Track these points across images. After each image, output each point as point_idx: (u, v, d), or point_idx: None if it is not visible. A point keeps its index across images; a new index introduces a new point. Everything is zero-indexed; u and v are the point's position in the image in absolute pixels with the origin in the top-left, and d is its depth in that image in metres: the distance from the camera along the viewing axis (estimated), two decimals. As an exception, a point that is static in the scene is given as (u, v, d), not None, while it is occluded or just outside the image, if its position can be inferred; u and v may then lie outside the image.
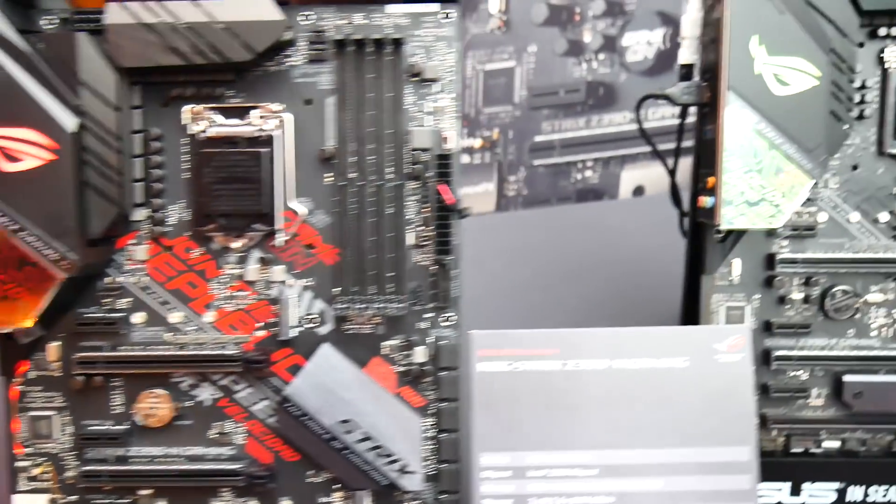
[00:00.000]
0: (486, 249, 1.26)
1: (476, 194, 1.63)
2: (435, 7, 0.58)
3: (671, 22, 1.43)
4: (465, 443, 0.59)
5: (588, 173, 1.45)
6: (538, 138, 1.59)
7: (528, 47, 1.52)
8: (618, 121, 1.45)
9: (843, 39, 0.63)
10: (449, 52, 0.59)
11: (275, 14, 0.55)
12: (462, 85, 1.40)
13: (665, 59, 1.43)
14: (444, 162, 0.58)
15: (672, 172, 0.74)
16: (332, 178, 0.60)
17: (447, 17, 0.59)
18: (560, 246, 1.32)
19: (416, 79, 0.59)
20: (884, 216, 0.67)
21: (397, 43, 0.58)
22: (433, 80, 0.59)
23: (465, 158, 1.58)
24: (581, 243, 1.33)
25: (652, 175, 1.49)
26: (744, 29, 0.61)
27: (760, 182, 0.62)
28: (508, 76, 1.60)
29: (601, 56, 1.41)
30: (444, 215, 0.58)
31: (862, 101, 0.66)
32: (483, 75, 1.53)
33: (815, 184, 0.63)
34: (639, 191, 1.45)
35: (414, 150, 0.58)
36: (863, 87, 0.66)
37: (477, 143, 1.65)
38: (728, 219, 0.62)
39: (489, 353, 0.56)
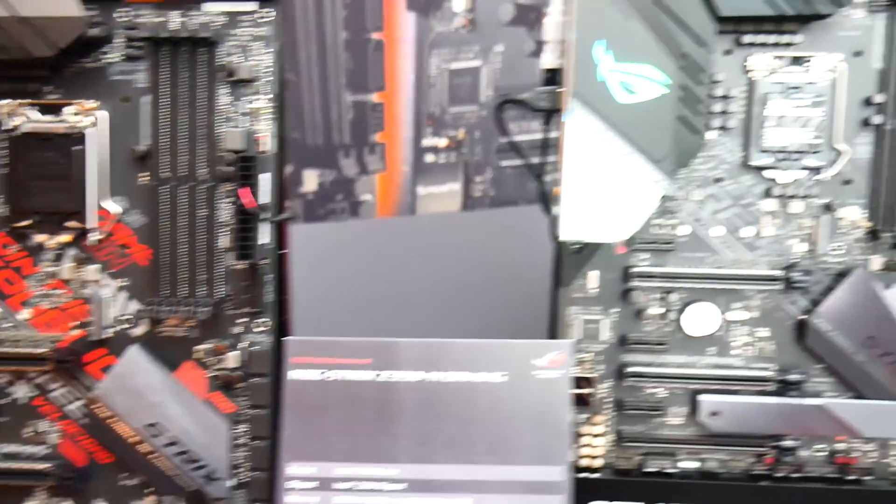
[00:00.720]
0: (449, 248, 1.24)
1: (441, 194, 1.62)
2: (252, 6, 0.58)
3: None
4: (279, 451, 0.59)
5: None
6: (505, 139, 1.57)
7: (494, 47, 1.49)
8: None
9: (698, 47, 0.61)
10: (266, 53, 0.59)
11: (75, 10, 0.55)
12: (426, 83, 1.39)
13: None
14: (246, 164, 0.57)
15: (539, 178, 0.72)
16: (147, 178, 0.60)
17: (264, 17, 0.58)
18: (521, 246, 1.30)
19: (232, 79, 0.58)
20: (747, 231, 0.65)
21: (210, 42, 0.57)
22: (249, 81, 0.58)
23: (430, 158, 1.56)
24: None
25: None
26: (589, 34, 0.59)
27: (605, 193, 0.60)
28: (474, 75, 1.58)
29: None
30: (246, 219, 0.58)
31: (725, 112, 0.63)
32: (448, 74, 1.51)
33: (668, 195, 0.61)
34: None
35: (227, 151, 0.58)
36: (726, 97, 0.63)
37: (442, 142, 1.63)
38: (569, 230, 0.60)
39: (302, 360, 0.55)
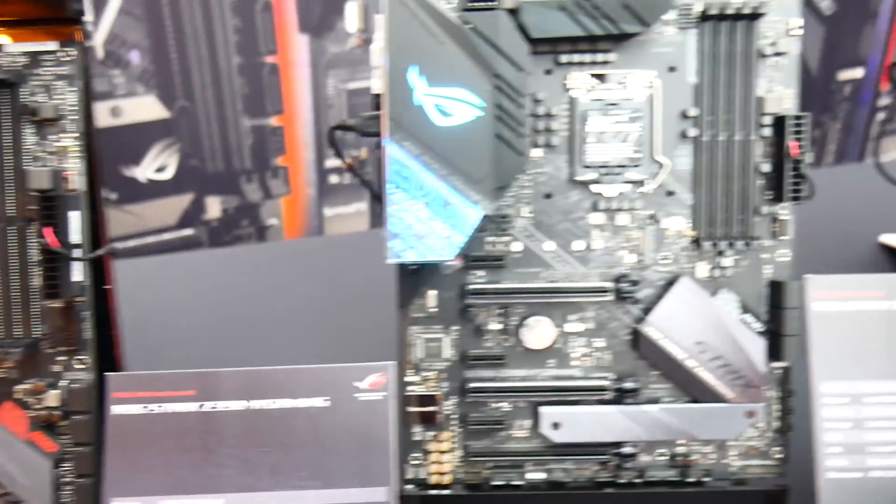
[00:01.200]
0: (358, 268, 1.25)
1: (349, 214, 1.62)
2: (53, 46, 0.58)
3: None
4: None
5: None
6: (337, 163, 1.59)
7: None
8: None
9: (512, 68, 0.62)
10: (70, 91, 0.59)
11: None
12: (325, 104, 1.39)
13: None
14: (49, 203, 0.57)
15: (377, 197, 0.73)
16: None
17: (66, 55, 0.58)
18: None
19: (36, 119, 0.58)
20: (578, 244, 0.66)
21: (11, 83, 0.57)
22: (54, 120, 0.58)
23: (335, 179, 1.57)
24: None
25: None
26: (401, 59, 0.60)
27: (428, 215, 0.61)
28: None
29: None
30: (53, 258, 0.58)
31: (548, 130, 0.65)
32: (346, 94, 1.52)
33: (492, 214, 0.62)
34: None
35: (32, 191, 0.58)
36: (549, 115, 0.65)
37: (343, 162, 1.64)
38: (396, 252, 0.61)
39: (124, 395, 0.56)
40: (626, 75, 0.65)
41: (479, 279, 0.67)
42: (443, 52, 0.60)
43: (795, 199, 0.64)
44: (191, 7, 1.35)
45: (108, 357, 0.62)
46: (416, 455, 0.68)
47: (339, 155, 0.71)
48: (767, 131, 0.65)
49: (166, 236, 1.50)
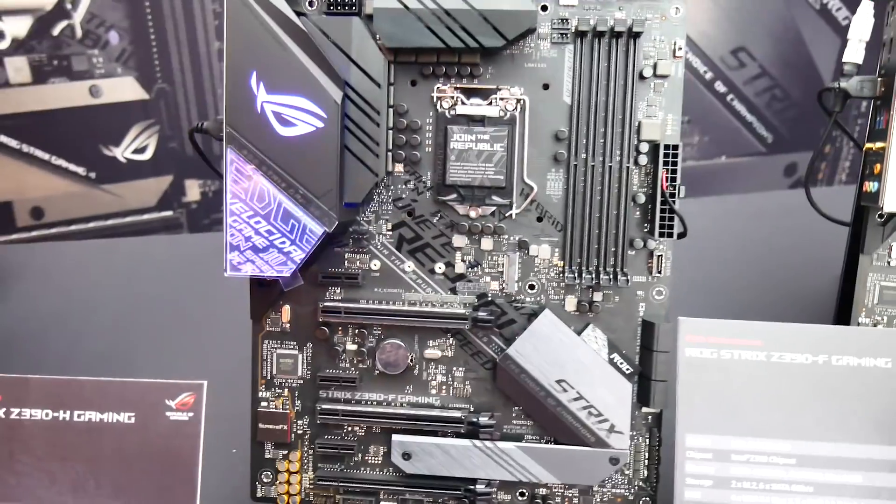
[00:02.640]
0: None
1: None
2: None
3: None
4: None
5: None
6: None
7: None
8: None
9: (365, 79, 0.59)
10: None
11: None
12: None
13: None
14: None
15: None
16: None
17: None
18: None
19: None
20: (439, 267, 0.63)
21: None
22: None
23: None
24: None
25: None
26: (242, 63, 0.57)
27: (267, 228, 0.58)
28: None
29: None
30: None
31: (411, 144, 0.61)
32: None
33: (330, 231, 0.59)
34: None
35: None
36: (411, 128, 0.61)
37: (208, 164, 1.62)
38: (234, 265, 0.59)
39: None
40: (494, 90, 0.60)
41: (335, 297, 0.63)
42: (286, 58, 0.57)
43: (665, 235, 0.59)
44: (170, -11, 1.34)
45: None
46: (266, 473, 0.65)
47: (202, 157, 0.68)
48: (644, 159, 0.60)
49: (146, 217, 1.50)
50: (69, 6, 1.35)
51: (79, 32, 1.36)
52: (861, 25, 0.67)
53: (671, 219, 0.59)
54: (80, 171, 1.44)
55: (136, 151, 1.44)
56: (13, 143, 1.39)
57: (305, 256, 0.59)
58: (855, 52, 0.67)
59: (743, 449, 0.59)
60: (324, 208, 0.58)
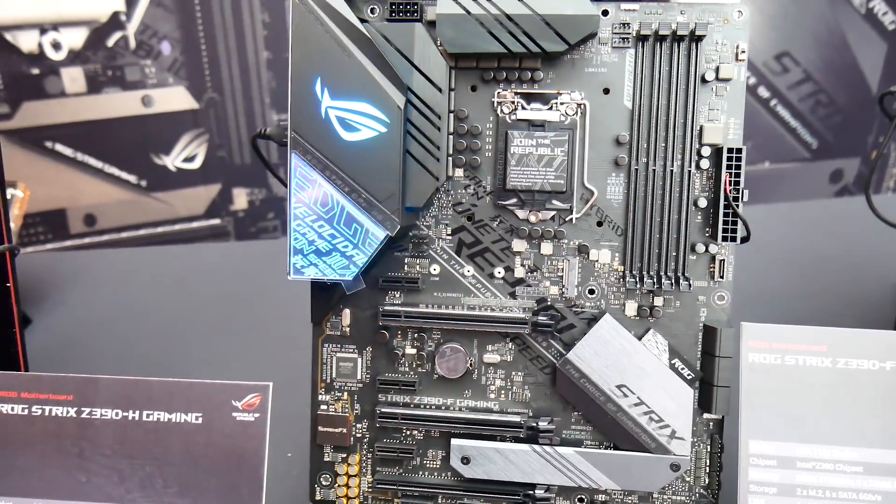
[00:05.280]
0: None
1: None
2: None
3: None
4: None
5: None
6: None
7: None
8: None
9: (428, 84, 0.59)
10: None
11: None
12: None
13: None
14: None
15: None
16: None
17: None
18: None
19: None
20: (498, 271, 0.63)
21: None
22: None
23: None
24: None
25: None
26: (306, 69, 0.58)
27: (331, 232, 0.59)
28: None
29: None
30: None
31: (471, 149, 0.62)
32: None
33: (394, 234, 0.59)
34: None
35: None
36: (471, 133, 0.62)
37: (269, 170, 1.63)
38: (297, 268, 0.60)
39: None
40: (555, 95, 0.60)
41: (394, 301, 0.64)
42: (349, 64, 0.58)
43: (728, 239, 0.58)
44: (220, 1, 1.36)
45: (7, 355, 0.62)
46: (325, 476, 0.66)
47: (263, 162, 0.69)
48: (706, 163, 0.59)
49: (195, 225, 1.52)
50: (124, 18, 1.38)
51: (132, 43, 1.39)
52: None
53: (734, 223, 0.58)
54: (132, 179, 1.47)
55: (186, 160, 1.47)
56: (68, 151, 1.42)
57: (368, 260, 0.59)
58: None
59: (808, 456, 0.58)
60: (386, 212, 0.59)
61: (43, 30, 1.39)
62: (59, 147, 1.45)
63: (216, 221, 1.54)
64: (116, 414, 0.56)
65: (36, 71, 1.40)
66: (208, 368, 0.90)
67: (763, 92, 1.69)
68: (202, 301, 1.09)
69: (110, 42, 1.42)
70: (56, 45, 1.40)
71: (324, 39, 0.58)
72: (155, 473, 0.55)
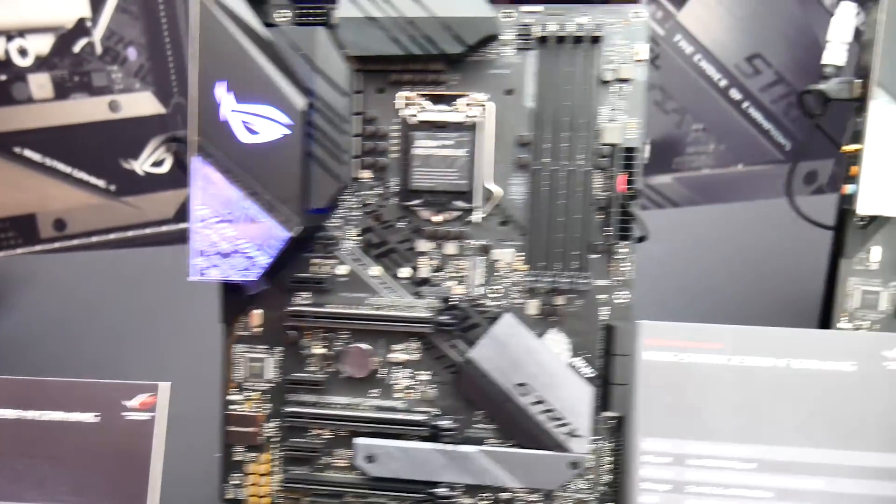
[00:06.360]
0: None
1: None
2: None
3: None
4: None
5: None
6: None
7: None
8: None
9: (330, 87, 0.60)
10: None
11: None
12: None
13: None
14: None
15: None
16: None
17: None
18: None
19: None
20: (405, 271, 0.64)
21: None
22: None
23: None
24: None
25: None
26: (210, 73, 0.59)
27: (233, 233, 0.60)
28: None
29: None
30: None
31: (377, 151, 0.63)
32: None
33: (298, 236, 0.60)
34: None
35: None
36: (376, 135, 0.63)
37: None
38: (199, 269, 0.61)
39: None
40: (458, 97, 0.61)
41: (303, 301, 0.65)
42: (251, 68, 0.59)
43: (624, 238, 0.59)
44: (186, 6, 1.38)
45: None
46: (236, 475, 0.67)
47: (178, 162, 0.70)
48: (606, 163, 0.60)
49: (164, 228, 1.53)
50: (89, 24, 1.40)
51: (98, 49, 1.41)
52: (841, 27, 0.66)
53: (630, 222, 0.59)
54: (101, 183, 1.48)
55: (154, 164, 1.48)
56: (36, 156, 1.44)
57: (270, 261, 0.60)
58: (836, 54, 0.67)
59: (700, 453, 0.58)
60: (288, 213, 0.59)
61: (9, 36, 1.40)
62: (28, 152, 1.46)
63: (185, 224, 1.54)
64: (13, 413, 0.56)
65: (3, 77, 1.42)
66: (152, 369, 0.91)
67: (735, 94, 1.69)
68: (160, 303, 1.10)
69: (76, 48, 1.43)
70: (23, 52, 1.41)
71: (227, 44, 0.59)
72: (49, 472, 0.56)
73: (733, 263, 1.08)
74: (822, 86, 0.66)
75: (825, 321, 0.69)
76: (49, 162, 1.45)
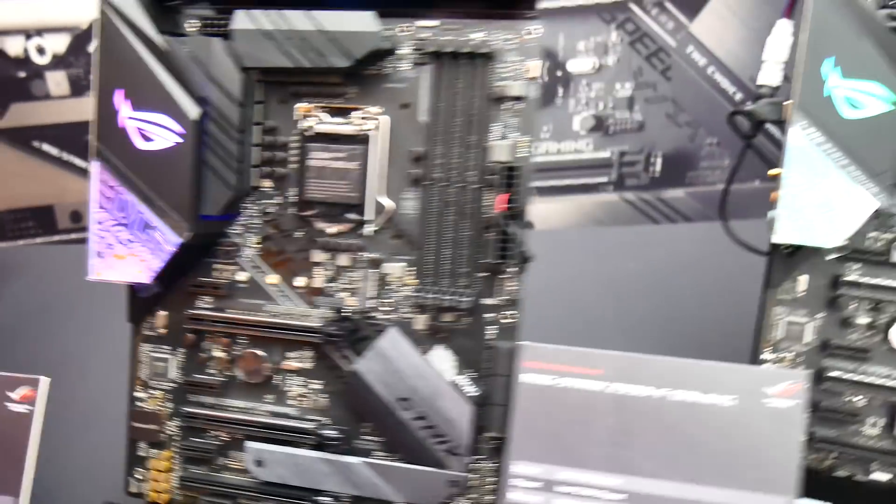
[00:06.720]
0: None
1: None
2: None
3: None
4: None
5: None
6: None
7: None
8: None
9: (224, 96, 0.62)
10: None
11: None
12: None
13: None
14: None
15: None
16: None
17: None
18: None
19: None
20: (300, 281, 0.65)
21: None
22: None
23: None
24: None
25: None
26: (109, 83, 0.61)
27: (128, 237, 0.62)
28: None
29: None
30: None
31: (274, 161, 0.64)
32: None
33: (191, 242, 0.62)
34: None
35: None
36: (275, 146, 0.64)
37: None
38: (94, 270, 0.63)
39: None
40: (354, 109, 0.62)
41: (205, 305, 0.66)
42: (148, 77, 0.60)
43: (501, 258, 0.59)
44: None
45: None
46: (140, 470, 0.69)
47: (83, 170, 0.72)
48: (497, 181, 0.60)
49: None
50: (103, 25, 1.44)
51: None
52: (777, 46, 0.64)
53: (510, 242, 0.59)
54: (114, 178, 1.53)
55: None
56: (54, 151, 1.50)
57: (162, 264, 0.61)
58: (771, 74, 0.65)
59: (570, 480, 0.57)
60: (178, 220, 0.61)
61: (28, 35, 1.47)
62: (46, 147, 1.52)
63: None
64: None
65: (22, 74, 1.48)
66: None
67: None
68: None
69: (91, 48, 1.49)
70: (41, 50, 1.47)
71: (126, 53, 0.61)
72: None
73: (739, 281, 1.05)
74: (751, 106, 0.64)
75: (755, 353, 0.67)
76: (66, 156, 1.51)
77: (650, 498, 0.56)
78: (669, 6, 1.51)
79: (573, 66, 1.44)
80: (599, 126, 1.47)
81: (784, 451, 0.55)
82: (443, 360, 0.61)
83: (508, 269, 0.60)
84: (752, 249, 0.73)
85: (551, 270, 0.86)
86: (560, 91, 1.45)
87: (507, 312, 0.61)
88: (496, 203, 0.58)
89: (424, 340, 0.62)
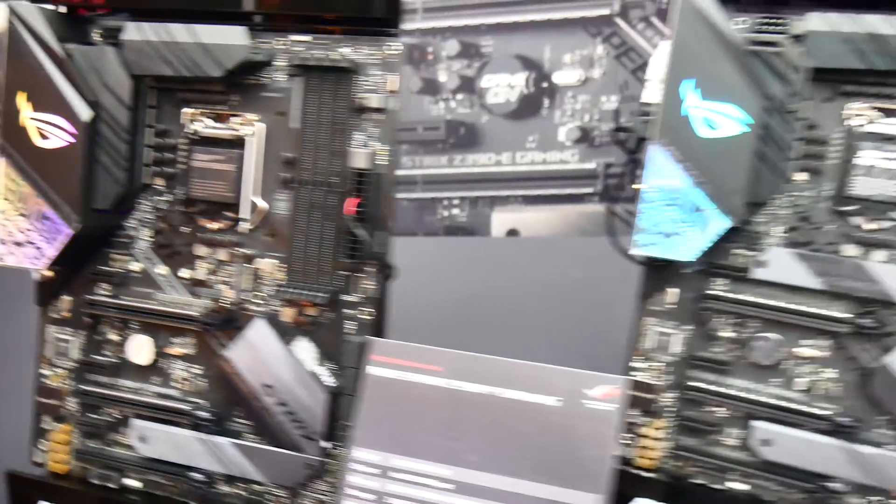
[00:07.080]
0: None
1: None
2: None
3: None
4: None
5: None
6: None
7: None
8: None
9: (116, 101, 0.68)
10: None
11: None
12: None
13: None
14: None
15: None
16: None
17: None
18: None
19: None
20: (185, 272, 0.70)
21: None
22: None
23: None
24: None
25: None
26: (16, 83, 0.68)
27: (27, 226, 0.68)
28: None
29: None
30: None
31: (164, 161, 0.70)
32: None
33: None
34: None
35: None
36: (165, 147, 0.70)
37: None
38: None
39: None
40: (232, 115, 0.67)
41: (103, 292, 0.72)
42: (45, 81, 0.67)
43: (350, 258, 0.63)
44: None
45: None
46: (44, 441, 0.75)
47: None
48: (358, 186, 0.65)
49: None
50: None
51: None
52: (659, 65, 0.67)
53: (358, 243, 0.63)
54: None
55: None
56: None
57: (55, 252, 0.68)
58: (652, 92, 0.67)
59: (405, 468, 0.61)
60: (69, 212, 0.67)
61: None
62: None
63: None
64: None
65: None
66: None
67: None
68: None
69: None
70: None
71: (28, 60, 0.67)
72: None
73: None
74: (630, 123, 0.67)
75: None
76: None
77: (475, 488, 0.60)
78: (655, 21, 1.53)
79: (559, 77, 1.46)
80: (585, 137, 1.50)
81: (599, 452, 0.58)
82: (305, 350, 0.66)
83: (366, 269, 0.65)
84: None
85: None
86: (546, 102, 1.48)
87: (364, 309, 0.65)
88: (345, 206, 0.62)
89: (290, 332, 0.67)
